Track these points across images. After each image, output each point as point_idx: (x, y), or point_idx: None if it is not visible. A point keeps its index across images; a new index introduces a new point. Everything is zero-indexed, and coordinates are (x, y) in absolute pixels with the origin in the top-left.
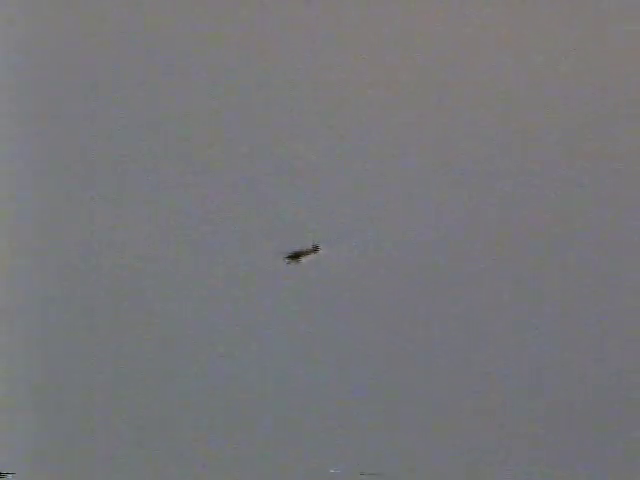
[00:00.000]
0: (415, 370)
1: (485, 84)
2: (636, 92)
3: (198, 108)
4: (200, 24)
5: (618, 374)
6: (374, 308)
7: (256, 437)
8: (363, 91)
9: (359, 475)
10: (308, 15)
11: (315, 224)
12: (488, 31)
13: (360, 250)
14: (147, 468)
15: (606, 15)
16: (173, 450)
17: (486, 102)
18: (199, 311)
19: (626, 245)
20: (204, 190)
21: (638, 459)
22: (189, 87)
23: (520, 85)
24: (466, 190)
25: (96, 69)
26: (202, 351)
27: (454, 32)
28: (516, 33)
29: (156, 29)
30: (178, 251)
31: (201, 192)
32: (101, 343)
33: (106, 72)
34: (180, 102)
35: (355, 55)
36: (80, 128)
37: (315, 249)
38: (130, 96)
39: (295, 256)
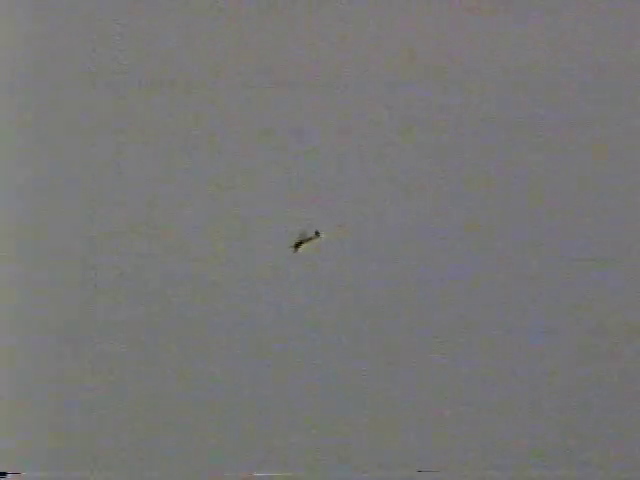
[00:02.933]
0: (416, 359)
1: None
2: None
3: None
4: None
5: (619, 374)
6: (374, 294)
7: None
8: (363, 83)
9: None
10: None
11: (315, 210)
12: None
13: (361, 234)
14: (149, 467)
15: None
16: (175, 451)
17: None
18: (202, 305)
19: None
20: (200, 180)
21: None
22: (191, 84)
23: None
24: (471, 171)
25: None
26: (206, 347)
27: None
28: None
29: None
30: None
31: (197, 182)
32: (102, 343)
33: (106, 72)
34: (181, 99)
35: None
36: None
37: (317, 235)
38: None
39: (298, 244)
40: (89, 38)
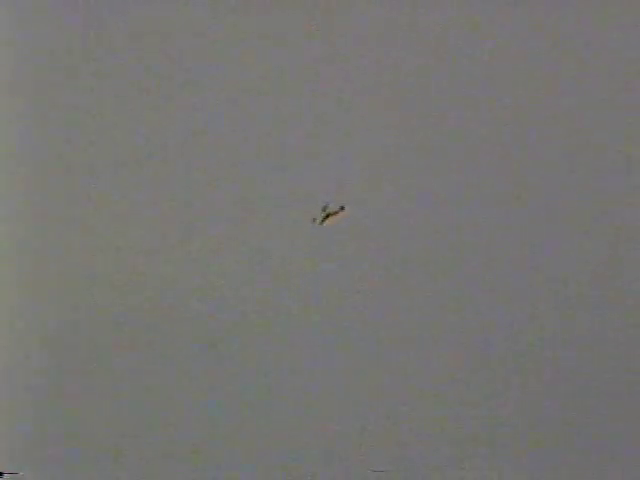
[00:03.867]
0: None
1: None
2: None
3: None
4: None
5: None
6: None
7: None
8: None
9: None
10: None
11: (339, 184)
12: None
13: (387, 209)
14: (148, 468)
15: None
16: (175, 451)
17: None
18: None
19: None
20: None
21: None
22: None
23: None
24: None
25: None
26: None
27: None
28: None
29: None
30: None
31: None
32: (102, 342)
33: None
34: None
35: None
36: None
37: (341, 209)
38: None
39: (325, 218)
40: (89, 37)
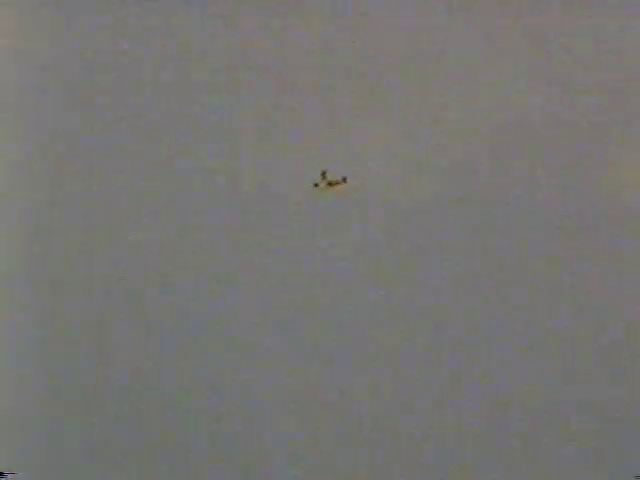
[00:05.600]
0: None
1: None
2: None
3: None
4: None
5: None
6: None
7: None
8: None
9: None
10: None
11: (344, 156)
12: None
13: (386, 182)
14: (148, 468)
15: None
16: (175, 451)
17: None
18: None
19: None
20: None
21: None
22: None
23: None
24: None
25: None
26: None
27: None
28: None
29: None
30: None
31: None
32: (103, 342)
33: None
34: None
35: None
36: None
37: (344, 180)
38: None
39: (331, 183)
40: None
